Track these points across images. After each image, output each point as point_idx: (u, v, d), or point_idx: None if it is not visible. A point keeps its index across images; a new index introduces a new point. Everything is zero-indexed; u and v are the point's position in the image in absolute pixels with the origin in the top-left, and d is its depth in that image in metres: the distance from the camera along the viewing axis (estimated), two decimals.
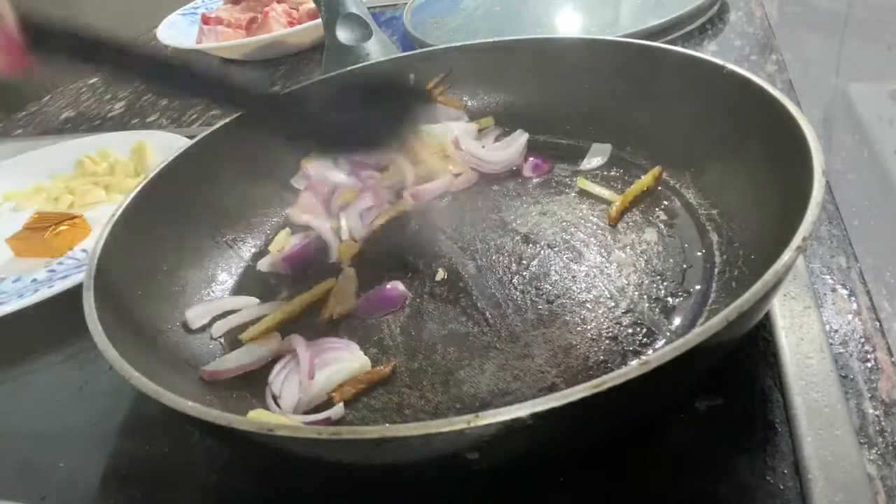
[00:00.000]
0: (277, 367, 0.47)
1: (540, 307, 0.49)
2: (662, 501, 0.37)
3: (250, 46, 1.04)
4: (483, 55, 0.69)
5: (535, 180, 0.63)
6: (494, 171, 0.65)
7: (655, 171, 0.58)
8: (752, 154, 0.49)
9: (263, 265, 0.58)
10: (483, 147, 0.66)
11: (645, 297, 0.48)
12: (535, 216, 0.58)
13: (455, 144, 0.65)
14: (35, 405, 0.52)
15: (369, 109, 0.54)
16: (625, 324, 0.46)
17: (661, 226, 0.54)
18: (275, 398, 0.45)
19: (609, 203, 0.57)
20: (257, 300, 0.55)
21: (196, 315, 0.52)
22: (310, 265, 0.58)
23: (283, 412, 0.44)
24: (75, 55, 0.45)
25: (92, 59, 0.47)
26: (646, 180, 0.58)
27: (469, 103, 0.71)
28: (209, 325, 0.52)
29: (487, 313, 0.49)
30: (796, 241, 0.35)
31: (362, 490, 0.39)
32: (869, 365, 0.42)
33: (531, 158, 0.65)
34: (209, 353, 0.50)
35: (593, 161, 0.63)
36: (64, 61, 0.46)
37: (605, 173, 0.62)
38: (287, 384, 0.45)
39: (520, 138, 0.66)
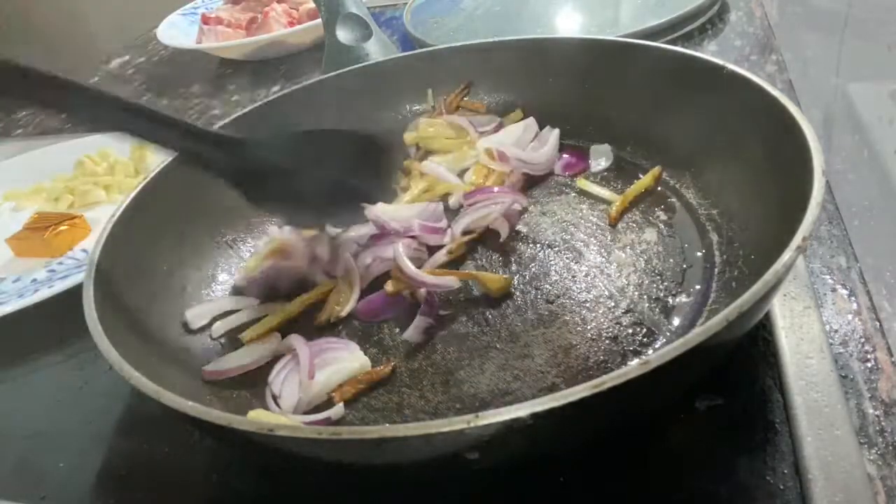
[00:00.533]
0: (277, 367, 0.47)
1: (540, 307, 0.49)
2: (662, 501, 0.37)
3: (250, 46, 1.04)
4: (483, 55, 0.69)
5: (567, 176, 0.62)
6: (542, 171, 0.63)
7: (655, 171, 0.58)
8: (753, 154, 0.49)
9: (238, 281, 0.56)
10: (524, 150, 0.64)
11: (645, 297, 0.48)
12: (536, 216, 0.58)
13: (499, 156, 0.62)
14: (35, 405, 0.52)
15: (332, 169, 0.51)
16: (625, 324, 0.46)
17: (661, 226, 0.54)
18: (275, 398, 0.45)
19: (609, 203, 0.57)
20: (257, 300, 0.55)
21: (196, 315, 0.52)
22: (283, 289, 0.54)
23: (283, 412, 0.44)
24: (21, 93, 0.44)
25: (34, 97, 0.45)
26: (646, 180, 0.58)
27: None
28: (209, 325, 0.52)
29: (487, 313, 0.49)
30: (796, 241, 0.35)
31: (362, 490, 0.39)
32: (869, 365, 0.42)
33: (564, 156, 0.64)
34: (209, 353, 0.50)
35: (601, 163, 0.63)
36: (13, 99, 0.44)
37: (605, 173, 0.62)
38: (287, 384, 0.45)
39: (550, 135, 0.65)
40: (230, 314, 0.53)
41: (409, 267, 0.50)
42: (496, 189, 0.58)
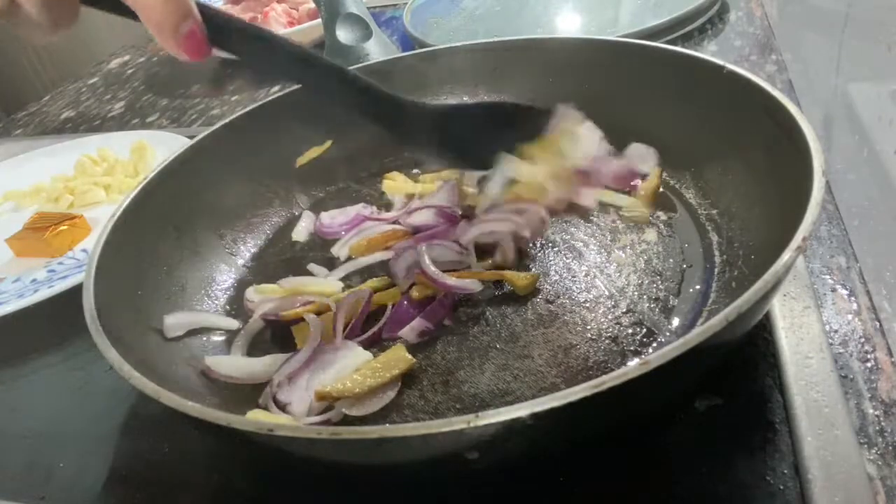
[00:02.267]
0: (277, 377, 0.46)
1: (540, 307, 0.49)
2: (663, 501, 0.37)
3: None
4: (483, 55, 0.69)
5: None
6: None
7: (656, 171, 0.58)
8: (752, 154, 0.49)
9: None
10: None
11: (645, 297, 0.48)
12: None
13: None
14: (35, 405, 0.52)
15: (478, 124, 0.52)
16: (625, 324, 0.46)
17: (661, 226, 0.54)
18: (283, 408, 0.45)
19: (620, 208, 0.56)
20: (238, 323, 0.53)
21: (174, 324, 0.50)
22: None
23: (297, 419, 0.44)
24: (247, 53, 0.47)
25: (262, 61, 0.49)
26: (654, 180, 0.57)
27: (469, 103, 0.71)
28: (184, 336, 0.50)
29: (487, 313, 0.49)
30: (796, 241, 0.35)
31: (363, 490, 0.39)
32: (869, 365, 0.42)
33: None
34: (210, 353, 0.50)
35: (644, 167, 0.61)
36: (237, 57, 0.48)
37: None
38: (295, 391, 0.45)
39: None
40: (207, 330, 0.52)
41: (431, 268, 0.50)
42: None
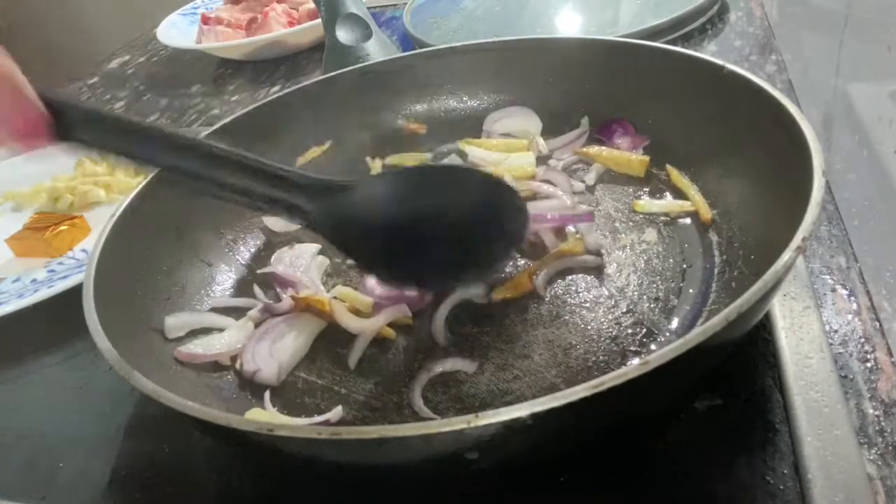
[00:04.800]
0: (246, 349, 0.49)
1: (540, 307, 0.49)
2: (662, 501, 0.37)
3: (250, 46, 1.04)
4: (483, 55, 0.69)
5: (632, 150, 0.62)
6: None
7: (644, 159, 0.59)
8: (752, 154, 0.49)
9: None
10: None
11: (645, 297, 0.48)
12: None
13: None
14: (35, 405, 0.52)
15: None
16: (625, 324, 0.46)
17: (661, 226, 0.54)
18: (252, 375, 0.47)
19: (668, 214, 0.55)
20: (242, 321, 0.52)
21: (174, 324, 0.50)
22: None
23: (267, 380, 0.46)
24: (95, 139, 0.44)
25: (111, 145, 0.44)
26: (673, 174, 0.57)
27: (469, 103, 0.71)
28: (185, 337, 0.50)
29: (487, 313, 0.49)
30: (796, 241, 0.35)
31: (362, 490, 0.39)
32: (869, 365, 0.42)
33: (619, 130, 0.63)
34: None
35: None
36: (84, 143, 0.44)
37: (633, 189, 0.61)
38: (259, 356, 0.47)
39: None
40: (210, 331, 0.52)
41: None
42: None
